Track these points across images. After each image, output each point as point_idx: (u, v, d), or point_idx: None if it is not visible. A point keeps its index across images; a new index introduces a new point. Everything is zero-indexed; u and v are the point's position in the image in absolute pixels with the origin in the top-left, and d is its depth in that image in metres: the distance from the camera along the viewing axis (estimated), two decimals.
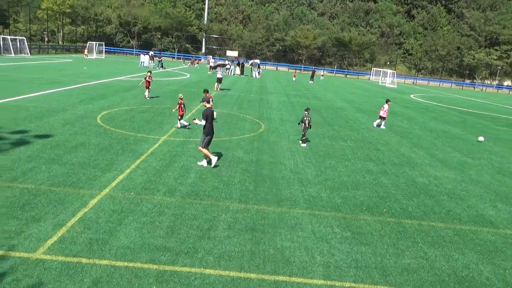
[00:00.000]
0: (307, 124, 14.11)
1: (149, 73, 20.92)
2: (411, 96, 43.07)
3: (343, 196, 9.44)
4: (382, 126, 19.63)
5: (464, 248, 7.43)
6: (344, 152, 13.87)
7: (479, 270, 6.71)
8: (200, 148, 10.38)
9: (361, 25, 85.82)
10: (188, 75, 40.42)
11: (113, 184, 8.68)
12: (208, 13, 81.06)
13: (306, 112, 14.25)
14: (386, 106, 19.30)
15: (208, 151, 10.54)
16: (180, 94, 15.23)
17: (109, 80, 28.47)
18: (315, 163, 12.09)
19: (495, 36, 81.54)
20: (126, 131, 13.56)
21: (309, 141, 14.79)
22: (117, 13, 72.46)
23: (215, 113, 14.61)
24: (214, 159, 10.50)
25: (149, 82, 20.69)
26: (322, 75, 60.35)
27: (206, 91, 15.68)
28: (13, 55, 44.74)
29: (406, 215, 8.73)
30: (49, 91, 20.35)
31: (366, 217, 8.38)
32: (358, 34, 78.77)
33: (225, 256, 6.26)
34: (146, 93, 20.97)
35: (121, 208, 7.54)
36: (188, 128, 14.93)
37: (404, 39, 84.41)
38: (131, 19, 71.59)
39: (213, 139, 10.88)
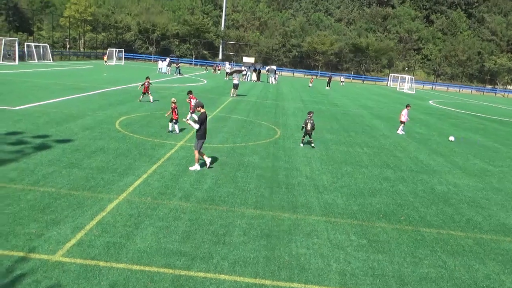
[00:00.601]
0: (309, 127, 14.13)
1: (147, 79, 21.38)
2: (430, 102, 42.37)
3: (359, 203, 9.33)
4: (400, 131, 19.39)
5: (485, 258, 7.23)
6: (361, 158, 13.73)
7: (500, 280, 6.52)
8: (196, 152, 10.51)
9: (378, 31, 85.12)
10: (205, 81, 40.78)
11: (131, 188, 8.80)
12: (225, 20, 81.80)
13: (308, 115, 14.27)
14: (405, 111, 19.13)
15: (201, 154, 10.70)
16: (173, 98, 14.85)
17: (127, 86, 28.96)
18: (331, 169, 12.00)
19: None
20: (144, 136, 13.75)
21: (314, 142, 14.78)
22: (136, 21, 73.96)
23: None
24: (208, 160, 10.79)
25: (147, 87, 21.14)
26: (342, 81, 59.67)
27: (190, 92, 16.07)
28: (36, 61, 46.03)
29: (425, 223, 8.56)
30: (69, 97, 20.84)
31: (383, 224, 8.26)
32: (376, 39, 78.11)
33: (240, 262, 6.26)
34: (141, 97, 21.47)
35: (138, 213, 7.64)
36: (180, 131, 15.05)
37: (422, 45, 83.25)
38: (150, 26, 72.89)
39: (205, 143, 11.13)
